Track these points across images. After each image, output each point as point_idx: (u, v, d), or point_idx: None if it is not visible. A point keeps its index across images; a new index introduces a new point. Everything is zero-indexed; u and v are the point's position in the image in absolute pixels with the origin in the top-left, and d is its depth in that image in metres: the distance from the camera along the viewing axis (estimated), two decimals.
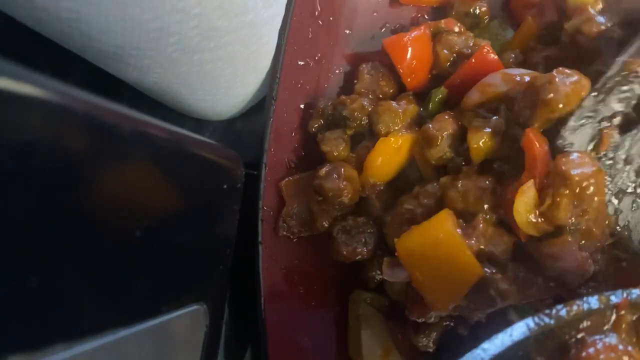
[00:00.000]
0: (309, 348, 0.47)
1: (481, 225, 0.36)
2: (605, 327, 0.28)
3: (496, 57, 0.42)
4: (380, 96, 0.47)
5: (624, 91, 0.36)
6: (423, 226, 0.37)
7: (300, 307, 0.47)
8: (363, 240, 0.44)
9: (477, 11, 0.49)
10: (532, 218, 0.35)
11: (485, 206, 0.37)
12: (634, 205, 0.37)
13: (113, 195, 0.21)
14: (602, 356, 0.26)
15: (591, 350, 0.27)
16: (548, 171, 0.34)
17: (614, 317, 0.28)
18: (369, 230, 0.45)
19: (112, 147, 0.20)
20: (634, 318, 0.28)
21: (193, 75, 0.39)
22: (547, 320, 0.27)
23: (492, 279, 0.35)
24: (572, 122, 0.36)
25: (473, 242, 0.36)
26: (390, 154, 0.43)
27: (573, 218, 0.35)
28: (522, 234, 0.36)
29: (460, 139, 0.41)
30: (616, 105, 0.36)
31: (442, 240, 0.36)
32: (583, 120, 0.36)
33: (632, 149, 0.37)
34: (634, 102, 0.37)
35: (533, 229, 0.35)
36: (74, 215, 0.19)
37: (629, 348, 0.27)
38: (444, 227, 0.36)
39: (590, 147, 0.37)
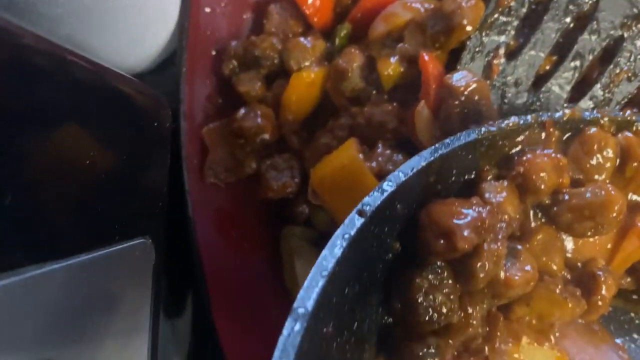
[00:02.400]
0: (247, 287, 0.49)
1: (380, 149, 0.40)
2: (540, 142, 0.33)
3: None
4: (290, 35, 0.49)
5: (502, 24, 0.42)
6: (332, 155, 0.42)
7: (234, 249, 0.49)
8: (291, 174, 0.47)
9: None
10: (433, 133, 0.39)
11: (390, 128, 0.41)
12: None
13: (56, 126, 0.21)
14: (538, 160, 0.31)
15: (529, 155, 0.32)
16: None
17: (543, 133, 0.33)
18: (294, 166, 0.47)
19: (44, 72, 0.21)
20: (564, 137, 0.34)
21: (105, 25, 0.39)
22: (491, 128, 0.32)
23: None
24: (464, 58, 0.42)
25: (374, 164, 0.40)
26: (304, 89, 0.46)
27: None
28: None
29: (369, 69, 0.45)
30: (498, 37, 0.42)
31: (347, 165, 0.40)
32: (473, 54, 0.42)
33: (518, 72, 0.43)
34: (512, 32, 0.42)
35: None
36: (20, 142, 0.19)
37: (559, 155, 0.32)
38: (348, 153, 0.41)
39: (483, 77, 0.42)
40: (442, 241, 0.27)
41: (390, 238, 0.29)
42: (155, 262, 0.30)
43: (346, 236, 0.25)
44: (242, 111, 0.47)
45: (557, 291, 0.32)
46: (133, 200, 0.30)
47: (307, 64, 0.47)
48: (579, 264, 0.34)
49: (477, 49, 0.42)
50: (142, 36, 0.44)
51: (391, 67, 0.43)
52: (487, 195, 0.30)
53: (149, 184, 0.32)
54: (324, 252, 0.25)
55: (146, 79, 0.53)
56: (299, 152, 0.48)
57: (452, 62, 0.42)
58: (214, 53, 0.49)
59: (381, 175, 0.40)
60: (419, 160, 0.29)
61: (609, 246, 0.35)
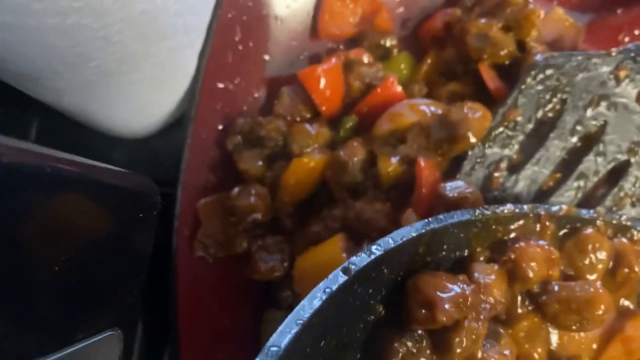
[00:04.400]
0: None
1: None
2: (534, 234, 0.34)
3: (400, 89, 0.47)
4: (298, 119, 0.50)
5: (506, 137, 0.42)
6: (317, 249, 0.42)
7: (214, 326, 0.48)
8: (280, 258, 0.47)
9: (388, 43, 0.53)
10: None
11: (378, 227, 0.41)
12: None
13: (23, 229, 0.21)
14: (530, 249, 0.32)
15: (522, 243, 0.33)
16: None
17: (539, 225, 0.34)
18: (285, 249, 0.47)
19: (19, 185, 0.21)
20: (560, 233, 0.35)
21: (109, 96, 0.40)
22: (486, 212, 0.33)
23: None
24: (465, 168, 0.42)
25: None
26: (303, 174, 0.46)
27: None
28: None
29: (370, 163, 0.45)
30: (501, 150, 0.43)
31: (330, 263, 0.39)
32: (474, 165, 0.42)
33: (519, 187, 0.43)
34: (516, 146, 0.43)
35: None
36: None
37: (552, 248, 0.33)
38: (332, 251, 0.41)
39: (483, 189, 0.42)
40: (423, 311, 0.29)
41: (374, 301, 0.30)
42: (121, 352, 0.29)
43: (327, 290, 0.26)
44: (236, 189, 0.47)
45: None
46: (106, 290, 0.29)
47: (309, 150, 0.47)
48: (562, 359, 0.34)
49: (478, 160, 0.42)
50: (147, 105, 0.45)
51: (391, 166, 0.43)
52: (475, 275, 0.31)
53: (127, 273, 0.32)
54: (303, 302, 0.25)
55: (151, 142, 0.54)
56: (292, 235, 0.48)
57: (453, 169, 0.42)
58: (220, 127, 0.50)
59: None
60: (410, 231, 0.30)
61: (594, 346, 0.35)
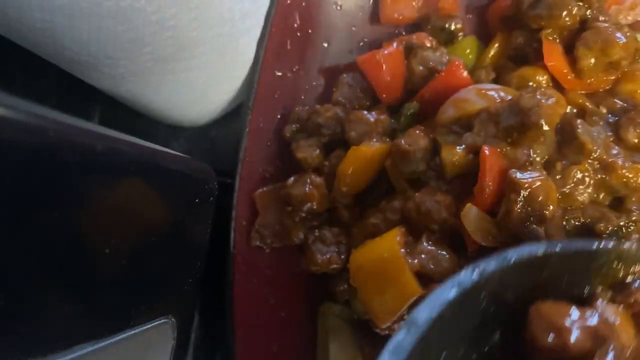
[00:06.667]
0: (278, 358, 0.47)
1: (424, 243, 0.38)
2: None
3: (466, 73, 0.45)
4: (357, 107, 0.48)
5: None
6: (375, 242, 0.40)
7: (270, 318, 0.48)
8: (337, 250, 0.45)
9: (453, 27, 0.50)
10: (489, 231, 0.37)
11: (438, 219, 0.39)
12: None
13: (83, 212, 0.21)
14: None
15: None
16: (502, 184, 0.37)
17: None
18: (343, 241, 0.46)
19: (81, 165, 0.21)
20: None
21: (166, 84, 0.40)
22: (609, 244, 0.29)
23: None
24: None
25: (415, 261, 0.38)
26: (361, 163, 0.45)
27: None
28: (471, 246, 0.38)
29: (432, 153, 0.43)
30: None
31: (387, 259, 0.39)
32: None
33: None
34: None
35: (491, 241, 0.37)
36: (41, 231, 0.19)
37: None
38: (389, 246, 0.39)
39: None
40: (552, 335, 0.26)
41: (493, 322, 0.28)
42: (175, 341, 0.29)
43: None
44: (292, 179, 0.47)
45: None
46: (161, 277, 0.29)
47: (367, 138, 0.45)
48: None
49: None
50: (204, 93, 0.45)
51: (456, 156, 0.40)
52: (600, 311, 0.29)
53: (182, 259, 0.31)
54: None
55: (210, 131, 0.54)
56: (349, 227, 0.46)
57: None
58: (278, 116, 0.49)
59: (421, 274, 0.38)
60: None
61: None
